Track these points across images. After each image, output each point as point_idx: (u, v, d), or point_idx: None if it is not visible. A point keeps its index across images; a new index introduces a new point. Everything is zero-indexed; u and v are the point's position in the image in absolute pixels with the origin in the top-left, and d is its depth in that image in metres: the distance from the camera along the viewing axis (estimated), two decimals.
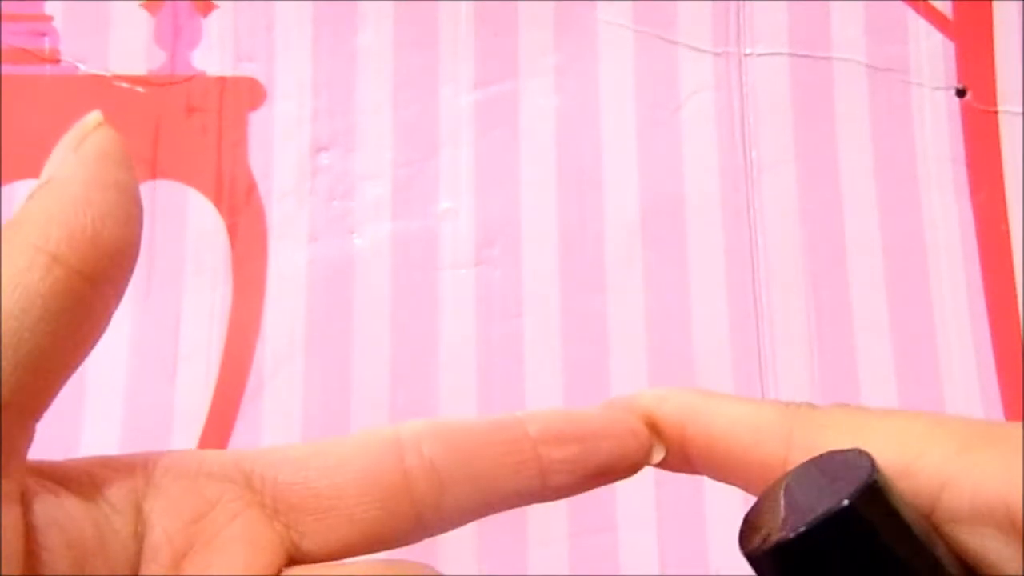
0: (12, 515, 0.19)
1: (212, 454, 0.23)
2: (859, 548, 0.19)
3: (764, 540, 0.20)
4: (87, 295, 0.20)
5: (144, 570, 0.21)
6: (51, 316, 0.20)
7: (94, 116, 0.22)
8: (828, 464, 0.20)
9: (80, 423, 0.43)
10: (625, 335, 0.45)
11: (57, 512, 0.20)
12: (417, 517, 0.23)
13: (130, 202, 0.21)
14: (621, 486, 0.45)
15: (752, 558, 0.20)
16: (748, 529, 0.21)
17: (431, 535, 0.23)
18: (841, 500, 0.19)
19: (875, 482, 0.19)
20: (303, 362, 0.44)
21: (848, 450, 0.20)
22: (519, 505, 0.24)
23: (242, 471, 0.23)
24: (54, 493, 0.21)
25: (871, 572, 0.19)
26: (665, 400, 0.25)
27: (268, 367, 0.44)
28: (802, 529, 0.19)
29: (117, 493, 0.22)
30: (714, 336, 0.45)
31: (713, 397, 0.24)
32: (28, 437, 0.20)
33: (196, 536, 0.22)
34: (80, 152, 0.21)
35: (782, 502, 0.21)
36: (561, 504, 0.44)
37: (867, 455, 0.20)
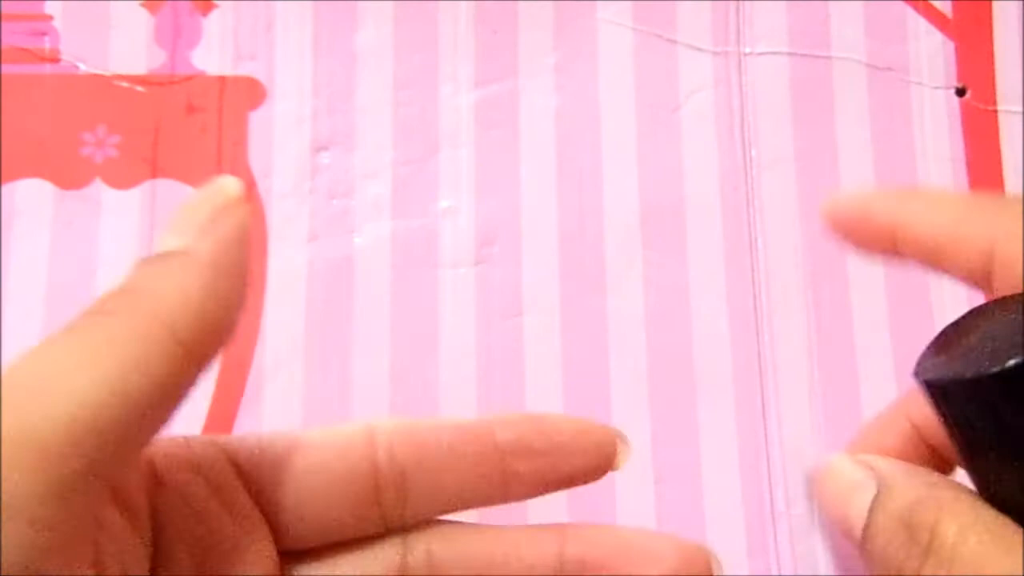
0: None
1: (199, 443, 0.24)
2: None
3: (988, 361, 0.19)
4: (197, 375, 0.20)
5: (161, 570, 0.22)
6: (166, 398, 0.20)
7: (235, 187, 0.22)
8: None
9: None
10: (625, 334, 0.45)
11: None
12: (382, 519, 0.24)
13: (246, 287, 0.21)
14: (621, 485, 0.45)
15: (966, 383, 0.19)
16: (946, 351, 0.21)
17: (392, 533, 0.24)
18: None
19: None
20: (303, 361, 0.44)
21: None
22: (477, 507, 0.24)
23: (231, 461, 0.23)
24: None
25: None
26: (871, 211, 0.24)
27: (268, 366, 0.44)
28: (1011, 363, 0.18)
29: (133, 496, 0.22)
30: (714, 336, 0.45)
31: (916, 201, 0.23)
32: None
33: (207, 530, 0.22)
34: (219, 231, 0.21)
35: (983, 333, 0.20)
36: (561, 502, 0.44)
37: None
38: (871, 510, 0.21)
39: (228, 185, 0.22)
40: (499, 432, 0.24)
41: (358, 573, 0.24)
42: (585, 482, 0.25)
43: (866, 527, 0.21)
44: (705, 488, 0.44)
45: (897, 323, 0.46)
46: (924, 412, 0.23)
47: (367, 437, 0.24)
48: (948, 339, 0.21)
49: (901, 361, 0.46)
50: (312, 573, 0.24)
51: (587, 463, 0.24)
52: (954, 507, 0.20)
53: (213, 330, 0.20)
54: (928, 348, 0.21)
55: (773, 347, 0.45)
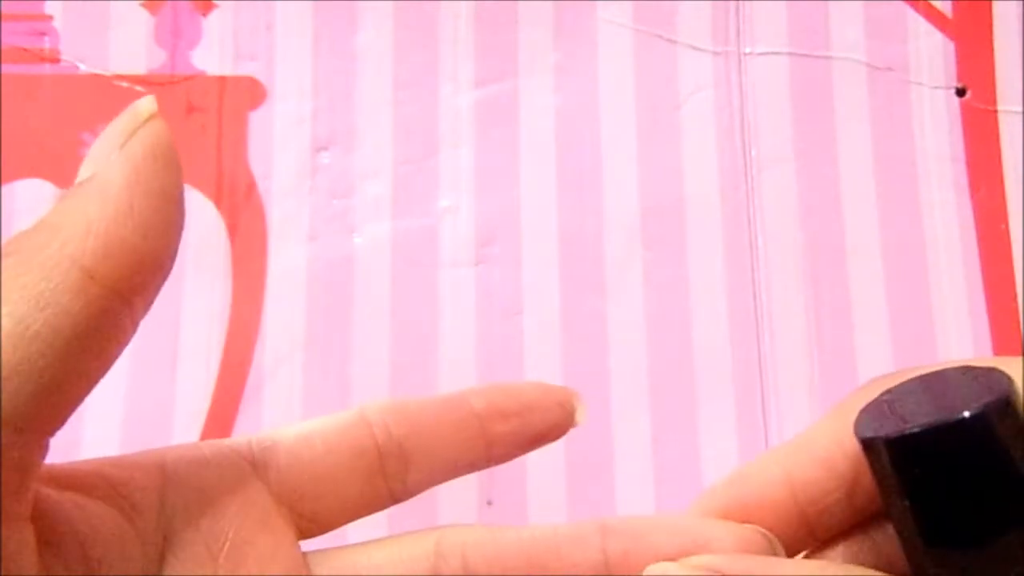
0: (25, 534, 0.19)
1: (214, 445, 0.24)
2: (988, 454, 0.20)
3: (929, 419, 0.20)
4: (119, 312, 0.19)
5: (171, 567, 0.21)
6: (80, 337, 0.18)
7: (147, 105, 0.20)
8: (968, 374, 0.22)
9: (80, 423, 0.43)
10: (625, 335, 0.45)
11: (74, 523, 0.20)
12: (389, 491, 0.25)
13: (173, 210, 0.20)
14: (621, 485, 0.45)
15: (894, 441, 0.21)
16: (882, 414, 0.22)
17: (397, 503, 0.25)
18: (980, 405, 0.20)
19: (1010, 397, 0.20)
20: (303, 361, 0.44)
21: (990, 368, 0.21)
22: (467, 473, 0.26)
23: (245, 459, 0.24)
24: (72, 502, 0.20)
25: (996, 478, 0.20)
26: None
27: (268, 366, 0.44)
28: (962, 416, 0.20)
29: (137, 493, 0.22)
30: (714, 336, 0.45)
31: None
32: (43, 454, 0.19)
33: (222, 528, 0.22)
34: (127, 150, 0.19)
35: (923, 398, 0.22)
36: (561, 502, 0.45)
37: (1006, 375, 0.21)
38: None
39: (140, 105, 0.20)
40: (473, 401, 0.25)
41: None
42: (554, 438, 0.26)
43: None
44: (705, 488, 0.44)
45: (897, 323, 0.46)
46: (805, 473, 0.24)
47: (361, 418, 0.25)
48: (879, 409, 0.23)
49: (901, 361, 0.46)
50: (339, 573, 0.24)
51: (553, 419, 0.26)
52: None
53: (129, 258, 0.19)
54: (861, 417, 0.23)
55: (773, 347, 0.45)
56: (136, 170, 0.19)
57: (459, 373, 0.44)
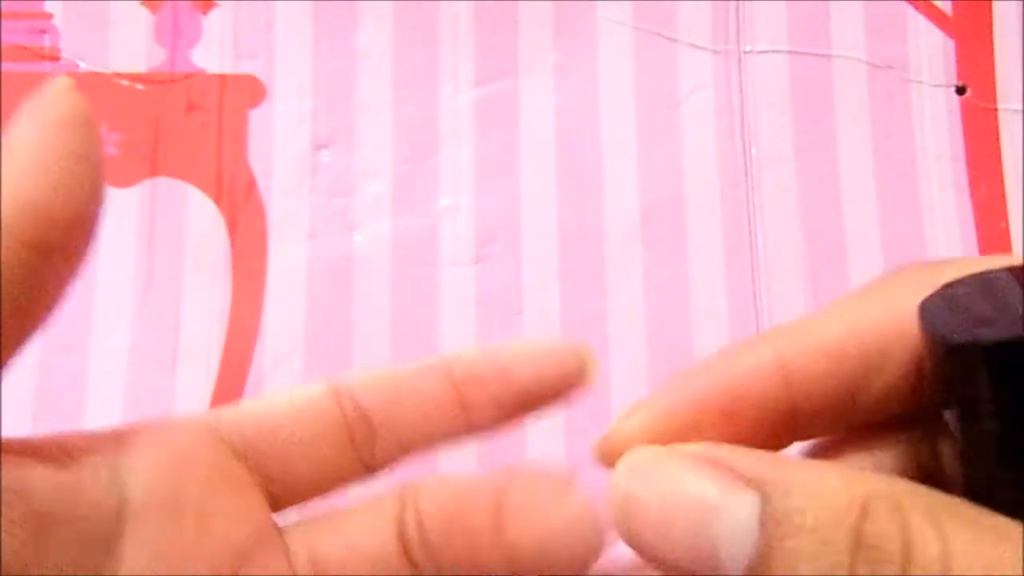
0: None
1: (183, 416, 0.24)
2: None
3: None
4: (37, 267, 0.20)
5: (131, 527, 0.21)
6: (6, 295, 0.19)
7: (60, 82, 0.21)
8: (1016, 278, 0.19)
9: (80, 421, 0.43)
10: (625, 334, 0.45)
11: (18, 483, 0.20)
12: (360, 460, 0.24)
13: (88, 172, 0.20)
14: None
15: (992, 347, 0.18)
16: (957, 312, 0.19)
17: (376, 473, 0.25)
18: None
19: None
20: (303, 359, 0.44)
21: None
22: (447, 442, 0.25)
23: (209, 426, 0.24)
24: (15, 465, 0.20)
25: None
26: None
27: (268, 365, 0.44)
28: None
29: (92, 458, 0.21)
30: (714, 335, 0.45)
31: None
32: None
33: (188, 494, 0.22)
34: (37, 117, 0.20)
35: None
36: None
37: None
38: (766, 535, 0.17)
39: (57, 82, 0.21)
40: (456, 367, 0.25)
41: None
42: (551, 402, 0.25)
43: (763, 558, 0.17)
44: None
45: None
46: (806, 363, 0.21)
47: (329, 387, 0.24)
48: (948, 306, 0.19)
49: None
50: (309, 539, 0.24)
51: (540, 373, 0.25)
52: (917, 501, 0.17)
53: (41, 215, 0.19)
54: (927, 312, 0.19)
55: None
56: (46, 135, 0.20)
57: None
